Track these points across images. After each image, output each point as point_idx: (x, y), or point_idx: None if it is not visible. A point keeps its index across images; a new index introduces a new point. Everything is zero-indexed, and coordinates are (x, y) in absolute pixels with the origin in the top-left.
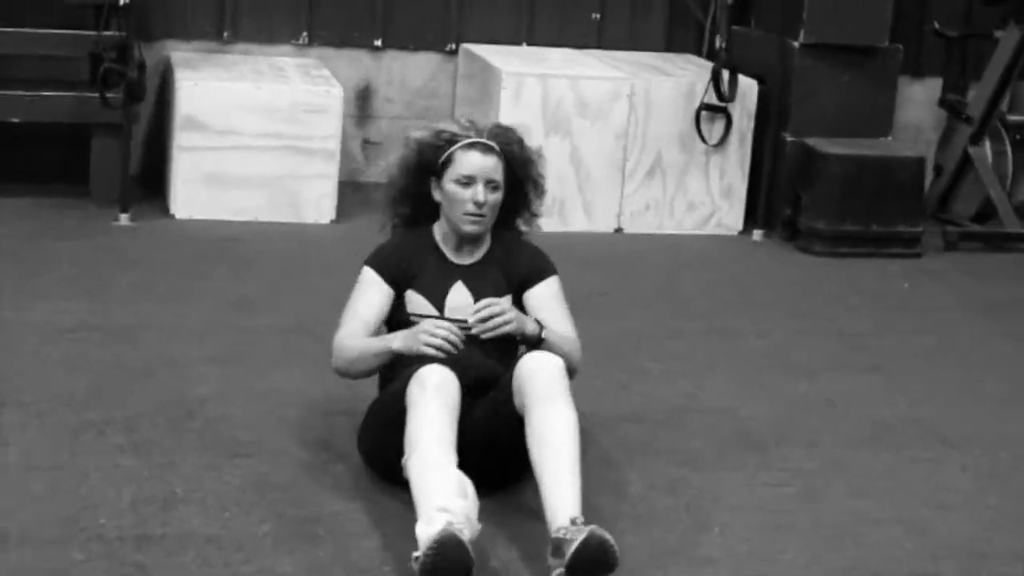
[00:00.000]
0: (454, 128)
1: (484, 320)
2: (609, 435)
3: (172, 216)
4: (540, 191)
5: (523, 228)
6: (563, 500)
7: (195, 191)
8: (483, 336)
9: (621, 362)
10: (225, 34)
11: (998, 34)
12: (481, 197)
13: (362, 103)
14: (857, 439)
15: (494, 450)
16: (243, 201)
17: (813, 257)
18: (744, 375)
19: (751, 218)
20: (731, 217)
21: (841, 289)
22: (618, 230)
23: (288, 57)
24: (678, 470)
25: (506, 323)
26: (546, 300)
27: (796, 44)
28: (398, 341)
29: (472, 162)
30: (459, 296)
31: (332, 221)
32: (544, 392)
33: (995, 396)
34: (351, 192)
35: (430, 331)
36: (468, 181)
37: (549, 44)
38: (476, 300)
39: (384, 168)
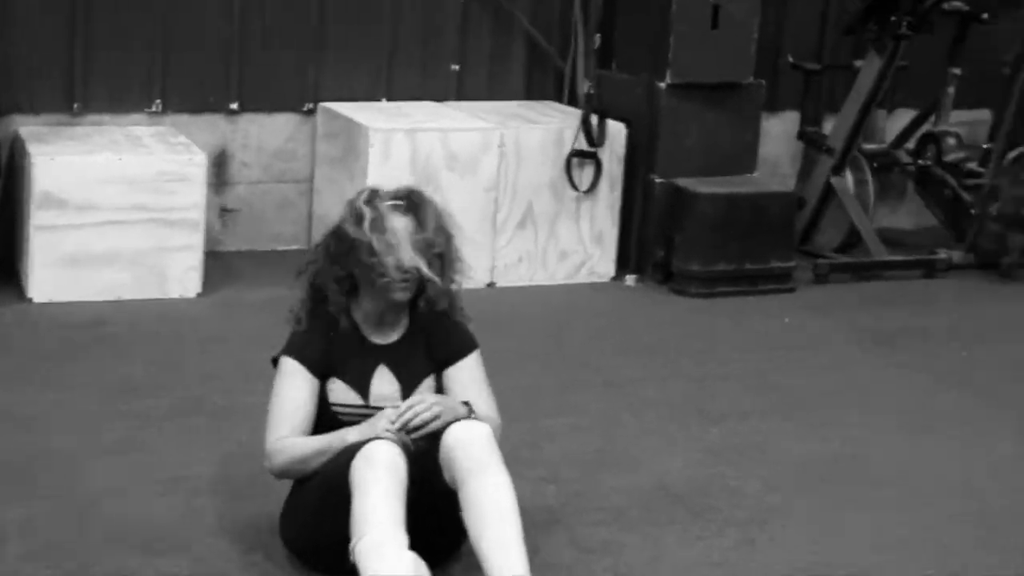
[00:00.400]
0: None
1: (410, 420)
2: (528, 498)
3: (30, 300)
4: (456, 252)
5: (449, 290)
6: (514, 570)
7: (54, 272)
8: (415, 436)
9: (524, 421)
10: (75, 105)
11: (858, 64)
12: (407, 261)
13: (218, 169)
14: (780, 482)
15: (423, 524)
16: (106, 279)
17: (689, 299)
18: (651, 425)
19: (623, 263)
20: (603, 264)
21: (725, 330)
22: (491, 284)
23: (142, 126)
24: (607, 530)
25: (435, 417)
26: (466, 379)
27: (662, 85)
28: (354, 435)
29: (393, 227)
30: (384, 384)
31: (199, 294)
32: (476, 462)
33: (906, 428)
34: (212, 262)
35: (391, 418)
36: (390, 247)
37: (408, 98)
38: (402, 386)
39: (242, 236)
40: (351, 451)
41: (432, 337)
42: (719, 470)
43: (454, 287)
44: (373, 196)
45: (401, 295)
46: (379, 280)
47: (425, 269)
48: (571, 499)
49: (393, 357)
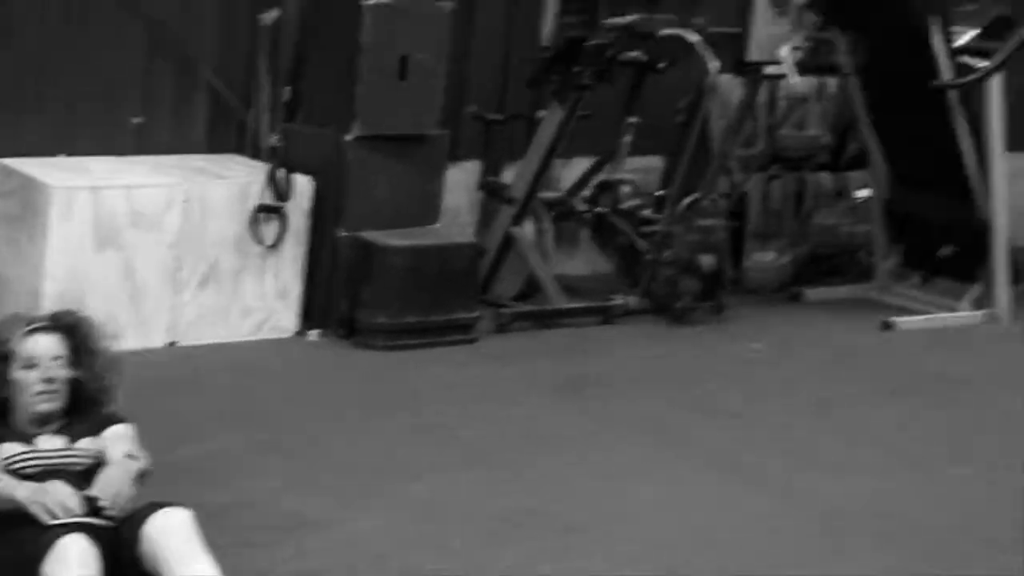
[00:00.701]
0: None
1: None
2: (228, 566)
3: None
4: (106, 358)
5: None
6: None
7: None
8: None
9: (218, 486)
10: None
11: (541, 114)
12: (50, 373)
13: None
14: (485, 538)
15: None
16: None
17: (374, 352)
18: (348, 483)
19: (308, 318)
20: (286, 319)
21: (411, 383)
22: (172, 343)
23: None
24: None
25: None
26: (120, 434)
27: (349, 138)
28: (22, 491)
29: (33, 345)
30: (49, 440)
31: None
32: (180, 552)
33: (596, 474)
34: None
35: (55, 496)
36: (32, 364)
37: (89, 153)
38: (67, 438)
39: None
40: (43, 545)
41: (89, 420)
42: (421, 529)
43: (106, 391)
44: (9, 322)
45: (46, 406)
46: (23, 398)
47: (76, 376)
48: (274, 565)
49: (55, 431)
